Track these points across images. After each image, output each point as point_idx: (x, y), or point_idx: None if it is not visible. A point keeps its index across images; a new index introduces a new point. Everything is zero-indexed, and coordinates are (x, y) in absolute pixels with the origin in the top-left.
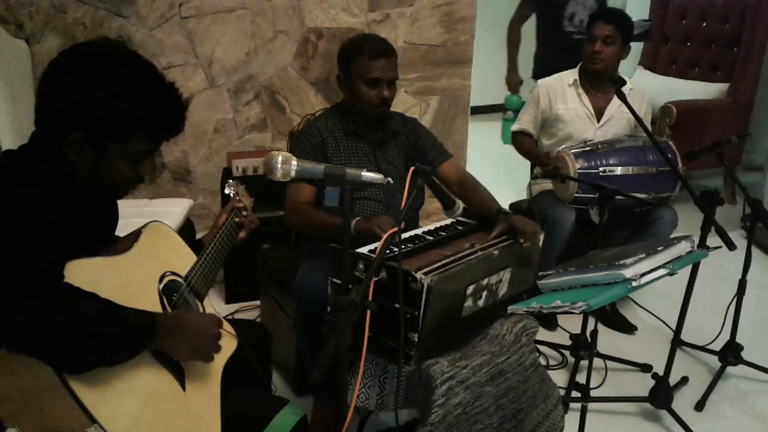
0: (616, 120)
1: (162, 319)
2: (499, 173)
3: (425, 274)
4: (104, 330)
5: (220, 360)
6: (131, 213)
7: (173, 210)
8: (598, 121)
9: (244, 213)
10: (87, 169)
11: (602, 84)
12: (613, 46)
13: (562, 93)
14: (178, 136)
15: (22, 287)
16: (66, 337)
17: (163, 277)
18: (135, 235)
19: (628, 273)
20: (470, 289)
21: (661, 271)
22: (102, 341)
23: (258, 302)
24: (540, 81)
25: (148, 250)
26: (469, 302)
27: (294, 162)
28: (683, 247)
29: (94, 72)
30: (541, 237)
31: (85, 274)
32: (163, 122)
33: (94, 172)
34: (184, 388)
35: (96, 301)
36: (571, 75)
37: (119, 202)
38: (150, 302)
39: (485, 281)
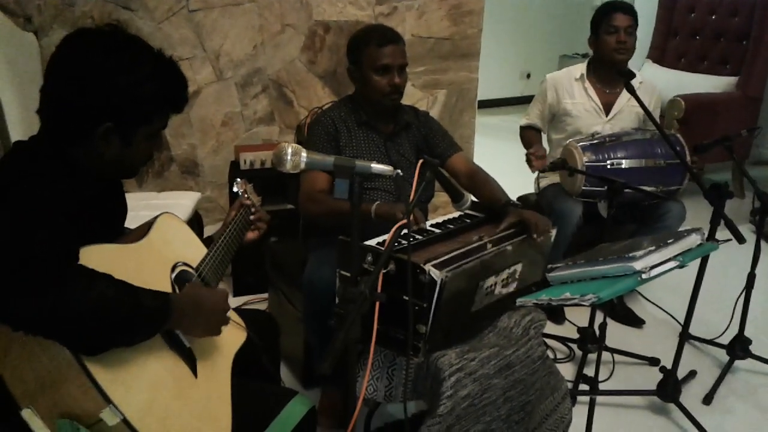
0: (625, 114)
1: (177, 299)
2: (507, 166)
3: (437, 268)
4: (120, 310)
5: (230, 349)
6: (140, 206)
7: (181, 203)
8: (606, 114)
9: (254, 210)
10: (112, 157)
11: (611, 78)
12: (633, 36)
13: (569, 87)
14: (187, 104)
15: (38, 270)
16: (82, 317)
17: (175, 267)
18: (147, 226)
19: (638, 265)
20: (482, 284)
21: (671, 264)
22: (118, 321)
23: (266, 295)
24: (548, 75)
25: (160, 241)
26: (480, 297)
27: (304, 154)
28: (693, 240)
29: (111, 62)
30: (554, 232)
31: (99, 259)
32: (179, 95)
33: (119, 158)
34: (195, 375)
35: (111, 281)
36: (578, 69)
37: (128, 195)
38: (162, 290)
39: (497, 276)
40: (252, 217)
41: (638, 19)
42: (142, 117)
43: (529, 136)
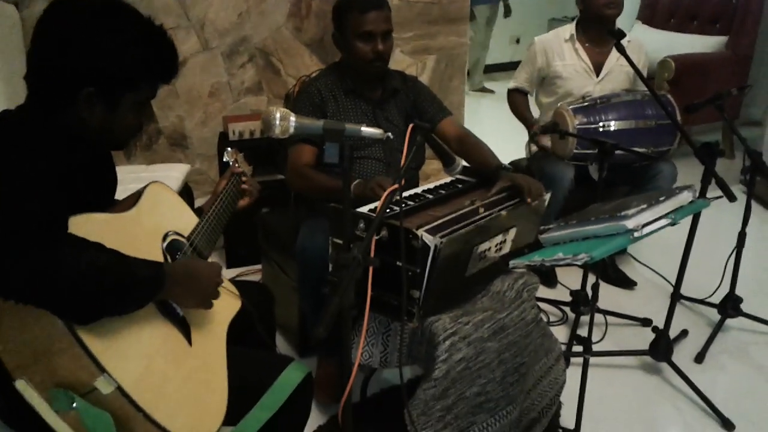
0: (615, 74)
1: (170, 268)
2: (498, 131)
3: (430, 233)
4: (111, 278)
5: (225, 318)
6: (129, 179)
7: (171, 175)
8: (597, 75)
9: (244, 179)
10: (96, 124)
11: (600, 38)
12: None
13: (559, 49)
14: (176, 75)
15: (28, 237)
16: (73, 285)
17: (166, 236)
18: (137, 195)
19: (630, 224)
20: (476, 249)
21: (663, 222)
22: (109, 289)
23: (259, 266)
24: (537, 38)
25: (150, 209)
26: (474, 262)
27: (292, 118)
28: (685, 197)
29: (96, 26)
30: (548, 196)
31: (89, 228)
32: (167, 64)
33: (104, 125)
34: (190, 343)
35: (102, 250)
36: (567, 30)
37: (116, 168)
38: (154, 259)
39: (491, 241)
40: (243, 186)
41: None
42: (126, 83)
43: (517, 100)
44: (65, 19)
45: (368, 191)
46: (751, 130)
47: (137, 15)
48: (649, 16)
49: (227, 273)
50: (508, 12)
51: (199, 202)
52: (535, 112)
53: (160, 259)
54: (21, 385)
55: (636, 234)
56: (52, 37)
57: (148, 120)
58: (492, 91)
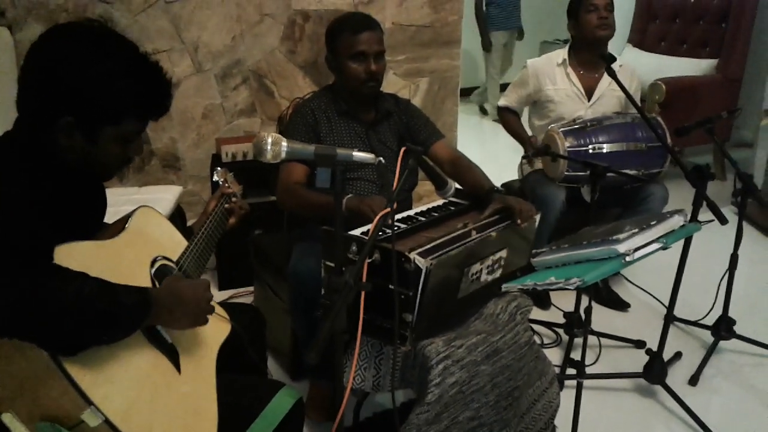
0: (607, 98)
1: (156, 293)
2: (490, 153)
3: (422, 256)
4: (97, 307)
5: (214, 343)
6: (121, 201)
7: (163, 197)
8: (589, 99)
9: (234, 199)
10: (77, 154)
11: (592, 62)
12: (612, 12)
13: (551, 74)
14: (166, 114)
15: (11, 268)
16: (58, 318)
17: (154, 261)
18: (125, 220)
19: (621, 248)
20: (467, 271)
21: (655, 246)
22: (95, 319)
23: (251, 288)
24: (529, 61)
25: (138, 235)
26: (465, 284)
27: (284, 143)
28: (676, 221)
29: (83, 54)
30: (538, 217)
31: (75, 257)
32: (154, 101)
33: (85, 156)
34: (179, 371)
35: (86, 279)
36: (559, 55)
37: (108, 191)
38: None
39: (482, 263)
40: (226, 205)
41: (615, 2)
42: (106, 115)
43: (509, 118)
44: (54, 46)
45: (364, 207)
46: (741, 151)
47: (129, 47)
48: (640, 40)
49: (219, 295)
50: (521, 35)
51: (191, 224)
52: (528, 133)
53: (149, 284)
54: (7, 418)
55: (628, 258)
56: (39, 63)
57: (138, 153)
58: (486, 113)
